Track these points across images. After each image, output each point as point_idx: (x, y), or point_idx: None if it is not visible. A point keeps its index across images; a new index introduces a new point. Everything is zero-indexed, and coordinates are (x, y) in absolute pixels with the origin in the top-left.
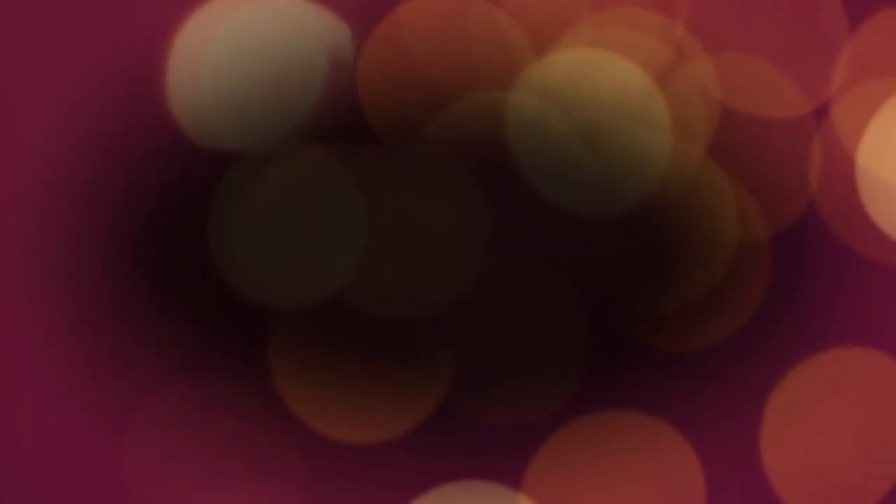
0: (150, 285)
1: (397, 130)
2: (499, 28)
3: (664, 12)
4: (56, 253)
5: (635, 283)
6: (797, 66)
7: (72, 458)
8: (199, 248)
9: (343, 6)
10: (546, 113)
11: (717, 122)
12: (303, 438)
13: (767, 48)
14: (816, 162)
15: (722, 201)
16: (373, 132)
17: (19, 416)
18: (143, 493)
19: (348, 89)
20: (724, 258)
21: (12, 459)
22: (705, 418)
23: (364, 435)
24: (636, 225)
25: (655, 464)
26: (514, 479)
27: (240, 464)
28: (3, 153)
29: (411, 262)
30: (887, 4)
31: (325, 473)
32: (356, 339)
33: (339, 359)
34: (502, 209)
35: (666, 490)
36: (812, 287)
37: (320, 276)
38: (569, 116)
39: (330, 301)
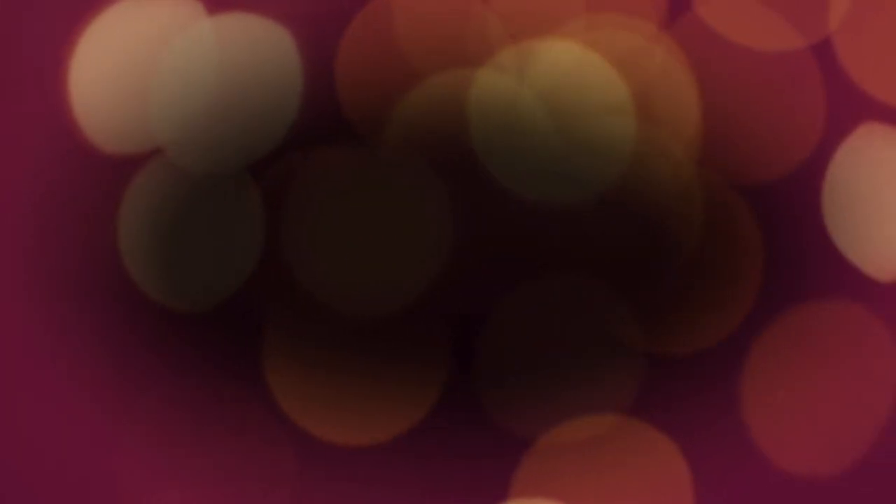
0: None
1: (358, 128)
2: (463, 19)
3: None
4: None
5: (612, 276)
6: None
7: (70, 458)
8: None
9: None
10: (510, 101)
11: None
12: (295, 440)
13: None
14: (820, 101)
15: (700, 189)
16: (330, 130)
17: (18, 415)
18: (136, 493)
19: (296, 89)
20: (708, 249)
21: (12, 459)
22: (694, 422)
23: (357, 436)
24: (609, 214)
25: (643, 467)
26: (502, 481)
27: (232, 465)
28: None
29: (380, 259)
30: None
31: (317, 475)
32: (342, 340)
33: (330, 360)
34: (469, 202)
35: (654, 494)
36: (807, 283)
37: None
38: (533, 104)
39: (314, 301)
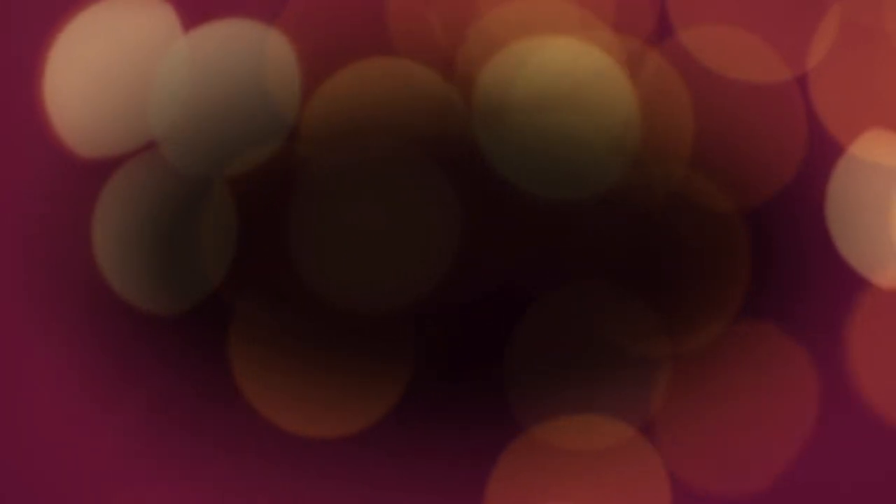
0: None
1: (361, 129)
2: (462, 19)
3: None
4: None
5: (610, 275)
6: (781, 34)
7: (44, 456)
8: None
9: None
10: (512, 100)
11: (703, 92)
12: (263, 432)
13: (750, 17)
14: (799, 132)
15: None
16: (332, 132)
17: (17, 415)
18: (116, 488)
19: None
20: (698, 253)
21: (11, 458)
22: (672, 423)
23: (325, 429)
24: (607, 213)
25: (621, 468)
26: (478, 479)
27: (200, 458)
28: None
29: (384, 257)
30: None
31: (286, 467)
32: (318, 333)
33: (299, 353)
34: (472, 200)
35: (631, 495)
36: (793, 290)
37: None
38: (535, 102)
39: (294, 295)
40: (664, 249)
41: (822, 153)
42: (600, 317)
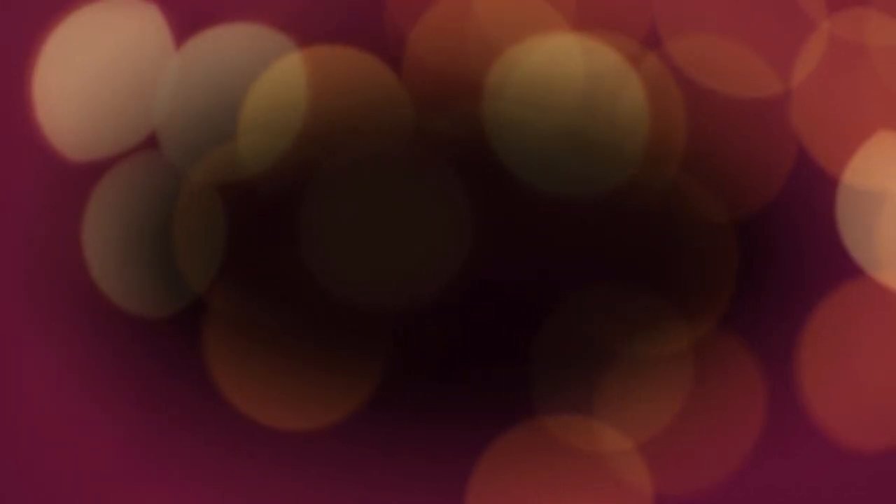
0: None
1: (370, 131)
2: (472, 16)
3: None
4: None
5: (606, 276)
6: (770, 48)
7: (61, 456)
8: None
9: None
10: (523, 100)
11: (691, 103)
12: (260, 432)
13: (742, 29)
14: (787, 143)
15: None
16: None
17: (13, 415)
18: (109, 486)
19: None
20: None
21: (11, 458)
22: (654, 423)
23: (320, 426)
24: (613, 212)
25: (604, 470)
26: (459, 476)
27: (195, 458)
28: None
29: (386, 256)
30: None
31: (286, 467)
32: (320, 333)
33: (300, 353)
34: (481, 196)
35: (613, 495)
36: (779, 292)
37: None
38: (545, 100)
39: (296, 296)
40: (657, 252)
41: (811, 164)
42: (599, 317)
